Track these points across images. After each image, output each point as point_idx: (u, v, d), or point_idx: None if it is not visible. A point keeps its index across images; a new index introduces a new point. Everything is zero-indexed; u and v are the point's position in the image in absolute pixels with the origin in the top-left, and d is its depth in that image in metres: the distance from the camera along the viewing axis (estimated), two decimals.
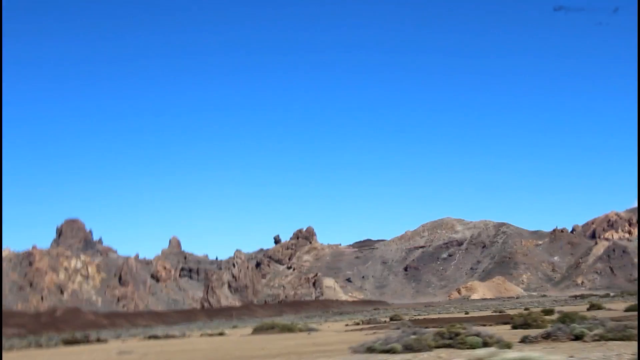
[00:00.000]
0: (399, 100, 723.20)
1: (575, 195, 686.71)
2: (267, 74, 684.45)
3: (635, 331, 17.59)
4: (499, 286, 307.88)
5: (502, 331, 27.38)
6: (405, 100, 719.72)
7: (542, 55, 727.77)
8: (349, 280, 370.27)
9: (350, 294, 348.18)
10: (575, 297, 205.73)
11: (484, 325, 38.82)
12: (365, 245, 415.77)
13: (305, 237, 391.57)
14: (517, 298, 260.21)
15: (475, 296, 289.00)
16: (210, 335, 53.16)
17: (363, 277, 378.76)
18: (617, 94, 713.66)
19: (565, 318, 25.58)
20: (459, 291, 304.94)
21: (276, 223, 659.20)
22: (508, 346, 15.64)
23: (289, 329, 47.28)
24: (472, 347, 16.40)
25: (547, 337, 18.55)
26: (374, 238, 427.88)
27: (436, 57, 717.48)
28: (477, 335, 17.28)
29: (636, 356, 13.10)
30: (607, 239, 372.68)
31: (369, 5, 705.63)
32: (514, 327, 29.49)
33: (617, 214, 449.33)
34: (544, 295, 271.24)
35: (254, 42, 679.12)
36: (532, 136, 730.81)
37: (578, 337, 18.04)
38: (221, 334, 53.80)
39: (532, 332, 20.88)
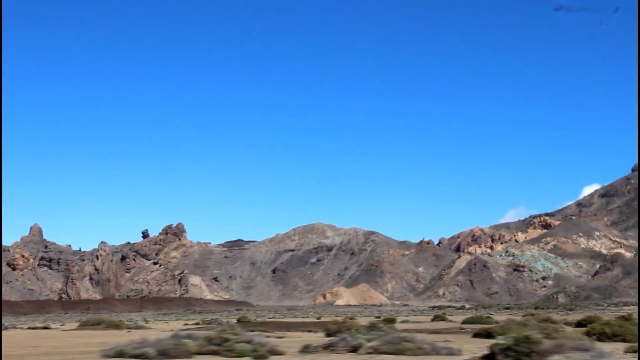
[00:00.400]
0: (276, 103, 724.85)
1: (443, 209, 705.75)
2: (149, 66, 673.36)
3: (408, 345, 16.84)
4: (364, 293, 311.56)
5: (312, 338, 26.37)
6: (283, 104, 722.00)
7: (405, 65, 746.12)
8: (216, 279, 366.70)
9: (216, 293, 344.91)
10: (434, 307, 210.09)
11: (309, 331, 37.82)
12: (235, 245, 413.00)
13: (174, 233, 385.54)
14: (379, 306, 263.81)
15: (339, 302, 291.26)
16: (35, 328, 50.33)
17: (230, 277, 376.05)
18: (488, 108, 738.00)
19: (371, 327, 24.84)
20: (324, 296, 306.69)
21: (145, 217, 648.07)
22: (264, 357, 14.53)
23: (115, 325, 45.12)
24: (240, 354, 15.23)
25: (327, 347, 17.57)
26: (245, 238, 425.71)
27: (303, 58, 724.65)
28: (249, 342, 16.09)
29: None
30: (469, 253, 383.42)
31: None
32: (328, 335, 28.62)
33: (481, 230, 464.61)
34: (406, 305, 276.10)
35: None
36: (405, 150, 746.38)
37: (356, 349, 17.15)
38: (46, 327, 51.03)
39: (322, 341, 19.91)
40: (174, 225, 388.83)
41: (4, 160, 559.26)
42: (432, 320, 72.51)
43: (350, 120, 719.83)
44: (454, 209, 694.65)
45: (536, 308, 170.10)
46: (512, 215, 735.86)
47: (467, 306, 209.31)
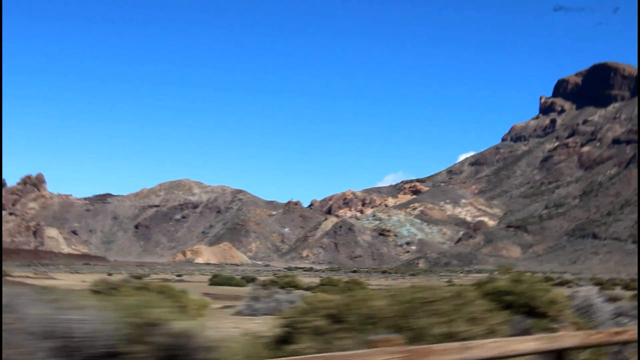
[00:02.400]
0: (146, 57, 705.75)
1: (320, 171, 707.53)
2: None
3: None
4: (225, 252, 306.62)
5: None
6: (154, 59, 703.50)
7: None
8: (75, 232, 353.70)
9: (74, 246, 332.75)
10: (289, 268, 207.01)
11: None
12: (99, 198, 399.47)
13: (33, 183, 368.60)
14: (238, 265, 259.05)
15: (199, 260, 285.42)
16: None
17: (91, 230, 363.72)
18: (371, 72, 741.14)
19: None
20: (184, 253, 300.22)
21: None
22: None
23: None
24: None
25: None
26: (111, 192, 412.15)
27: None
28: None
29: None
30: (337, 216, 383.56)
31: None
32: None
33: (353, 193, 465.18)
34: (267, 265, 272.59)
35: None
36: (285, 108, 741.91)
37: None
38: None
39: None
40: (34, 176, 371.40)
41: None
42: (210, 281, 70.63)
43: (222, 76, 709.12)
44: (332, 171, 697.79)
45: (353, 271, 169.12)
46: (391, 180, 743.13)
47: (317, 268, 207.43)
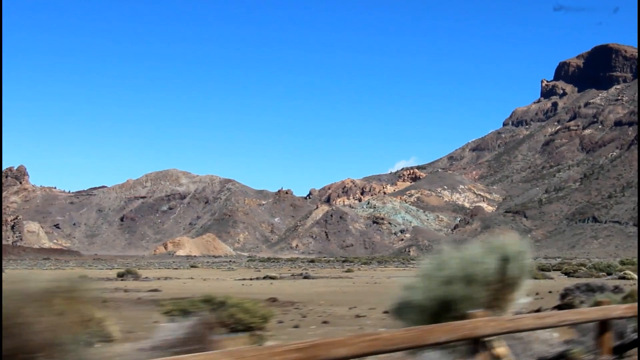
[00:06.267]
0: (130, 50, 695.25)
1: (318, 159, 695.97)
2: None
3: None
4: (209, 244, 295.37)
5: None
6: (136, 50, 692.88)
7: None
8: (57, 226, 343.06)
9: (56, 241, 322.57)
10: (269, 259, 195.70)
11: None
12: (84, 191, 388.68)
13: (15, 176, 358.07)
14: (218, 257, 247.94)
15: (181, 252, 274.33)
16: None
17: (74, 224, 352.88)
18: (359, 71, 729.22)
19: None
20: (165, 246, 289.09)
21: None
22: None
23: None
24: None
25: None
26: (97, 185, 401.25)
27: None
28: None
29: None
30: (329, 204, 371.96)
31: None
32: None
33: (352, 181, 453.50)
34: (251, 256, 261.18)
35: None
36: (271, 98, 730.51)
37: None
38: None
39: None
40: (15, 168, 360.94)
41: None
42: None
43: (211, 64, 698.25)
44: (338, 159, 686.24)
45: (345, 261, 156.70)
46: (401, 167, 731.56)
47: (302, 258, 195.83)
